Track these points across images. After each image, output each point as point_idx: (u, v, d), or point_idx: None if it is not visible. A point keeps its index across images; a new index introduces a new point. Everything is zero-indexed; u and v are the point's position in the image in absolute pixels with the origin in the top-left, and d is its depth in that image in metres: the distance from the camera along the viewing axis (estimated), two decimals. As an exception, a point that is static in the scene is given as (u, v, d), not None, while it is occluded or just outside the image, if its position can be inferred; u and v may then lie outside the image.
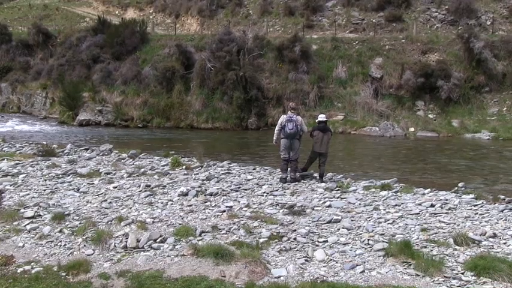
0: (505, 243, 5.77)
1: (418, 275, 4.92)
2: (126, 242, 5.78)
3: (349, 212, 7.10)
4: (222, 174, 9.94)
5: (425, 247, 5.64)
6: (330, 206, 7.43)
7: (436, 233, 6.11)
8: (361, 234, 6.10)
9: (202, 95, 21.86)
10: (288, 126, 9.03)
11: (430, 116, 20.00)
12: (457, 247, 5.64)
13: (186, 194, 7.92)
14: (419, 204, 7.45)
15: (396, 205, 7.44)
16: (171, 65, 22.36)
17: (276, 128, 9.36)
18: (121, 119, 22.15)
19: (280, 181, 9.15)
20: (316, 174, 9.66)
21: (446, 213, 7.01)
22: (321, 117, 9.55)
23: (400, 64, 21.07)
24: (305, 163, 9.72)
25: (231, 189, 8.42)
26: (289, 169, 9.33)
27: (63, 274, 5.07)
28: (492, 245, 5.71)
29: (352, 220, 6.66)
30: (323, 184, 9.03)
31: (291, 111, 9.29)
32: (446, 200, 7.78)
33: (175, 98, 21.93)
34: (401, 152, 14.99)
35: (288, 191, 8.53)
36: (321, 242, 5.85)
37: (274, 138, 9.46)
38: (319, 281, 4.82)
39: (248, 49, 21.84)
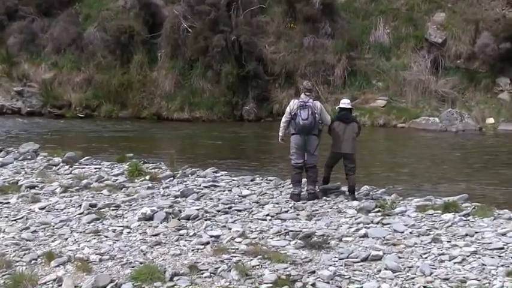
0: None
1: None
2: (59, 290, 5.73)
3: (394, 244, 7.06)
4: (205, 187, 9.92)
5: (513, 299, 5.62)
6: (365, 235, 7.40)
7: (530, 279, 6.08)
8: (413, 278, 6.05)
9: (175, 69, 21.85)
10: (301, 115, 8.98)
11: (519, 100, 20.03)
12: None
13: (151, 218, 7.89)
14: (503, 235, 7.39)
15: (467, 235, 7.39)
16: (128, 24, 22.34)
17: (283, 119, 9.31)
18: (52, 105, 22.13)
19: (292, 198, 9.13)
20: (344, 188, 9.66)
21: (545, 248, 6.97)
22: (344, 103, 9.52)
23: (473, 22, 21.04)
24: (324, 171, 9.71)
25: (218, 211, 8.39)
26: (304, 180, 9.31)
27: None
28: None
29: (399, 257, 6.62)
30: (355, 203, 9.00)
31: (306, 93, 9.29)
32: (546, 228, 7.73)
33: (134, 75, 21.92)
34: (475, 155, 14.97)
35: (303, 212, 8.48)
36: (353, 290, 5.82)
37: (280, 134, 9.43)
38: None
39: (243, 1, 21.84)
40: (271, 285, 5.89)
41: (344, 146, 9.29)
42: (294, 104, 9.15)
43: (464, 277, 6.10)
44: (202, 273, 6.16)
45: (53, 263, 6.35)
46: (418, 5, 22.29)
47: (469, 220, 8.12)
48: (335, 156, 9.45)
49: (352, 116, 9.58)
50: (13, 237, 7.28)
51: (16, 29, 24.33)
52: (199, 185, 10.05)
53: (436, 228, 7.73)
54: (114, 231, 7.49)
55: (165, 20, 22.57)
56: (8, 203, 8.89)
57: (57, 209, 8.55)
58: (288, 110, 9.22)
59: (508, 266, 6.40)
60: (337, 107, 9.88)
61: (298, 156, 9.17)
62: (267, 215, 8.28)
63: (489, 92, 20.28)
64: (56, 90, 22.43)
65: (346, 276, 6.13)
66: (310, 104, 9.04)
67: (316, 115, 9.04)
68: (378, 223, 7.96)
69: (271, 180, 10.65)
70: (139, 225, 7.70)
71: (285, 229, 7.60)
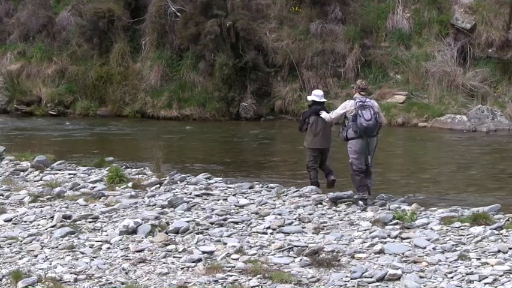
0: None
1: None
2: (28, 315, 5.77)
3: (415, 262, 7.05)
4: (196, 196, 9.95)
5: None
6: (381, 251, 7.41)
7: None
8: (437, 301, 6.09)
9: (162, 60, 21.80)
10: (363, 115, 9.50)
11: (562, 96, 19.99)
12: None
13: (134, 231, 7.90)
14: (542, 251, 7.41)
15: (500, 251, 7.37)
16: (107, 7, 22.26)
17: (335, 112, 9.99)
18: (19, 101, 22.04)
19: (363, 203, 9.54)
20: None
21: None
22: (317, 95, 10.59)
23: (508, 4, 20.98)
24: (311, 175, 10.54)
25: (212, 223, 8.40)
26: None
27: None
28: None
29: (421, 277, 6.62)
30: (370, 214, 9.05)
31: (361, 93, 9.82)
32: None
33: (114, 66, 21.87)
34: (509, 159, 14.97)
35: (310, 225, 8.49)
36: (367, 314, 5.85)
37: (332, 116, 10.01)
38: None
39: (241, -20, 21.86)
40: (272, 308, 5.92)
41: (323, 141, 10.34)
42: (350, 104, 9.76)
43: (495, 299, 6.13)
44: (193, 295, 6.18)
45: (21, 284, 6.32)
46: (442, -15, 22.26)
47: (501, 234, 8.10)
48: (315, 153, 10.40)
49: (326, 109, 10.51)
50: (-26, 255, 7.29)
51: (-24, 13, 24.38)
52: (190, 194, 10.09)
53: (464, 244, 7.71)
54: (91, 246, 7.49)
55: (149, 2, 22.50)
56: (-32, 214, 8.90)
57: (25, 221, 8.53)
58: (341, 110, 9.90)
59: (548, 287, 6.40)
60: (308, 98, 10.83)
61: (361, 161, 9.78)
62: (268, 227, 8.29)
63: (526, 86, 20.24)
64: (23, 84, 22.34)
65: (359, 299, 6.16)
66: (369, 103, 9.70)
67: (377, 115, 9.71)
68: (395, 237, 7.97)
69: (272, 188, 10.70)
70: (120, 240, 7.69)
71: (288, 244, 7.61)
